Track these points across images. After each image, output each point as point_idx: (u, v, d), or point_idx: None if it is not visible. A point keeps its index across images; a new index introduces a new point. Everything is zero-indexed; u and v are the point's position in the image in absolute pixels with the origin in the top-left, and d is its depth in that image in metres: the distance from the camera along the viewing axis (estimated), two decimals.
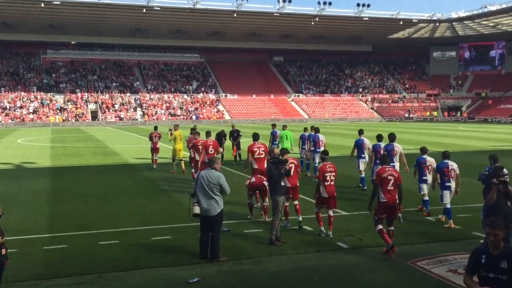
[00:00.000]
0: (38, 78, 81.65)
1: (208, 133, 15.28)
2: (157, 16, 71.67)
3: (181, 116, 77.29)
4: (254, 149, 12.49)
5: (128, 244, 9.64)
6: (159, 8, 68.92)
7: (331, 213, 10.07)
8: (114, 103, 77.80)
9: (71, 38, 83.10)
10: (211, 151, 14.33)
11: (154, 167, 21.02)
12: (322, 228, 10.11)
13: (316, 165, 16.90)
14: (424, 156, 11.79)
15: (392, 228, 9.23)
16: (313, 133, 17.92)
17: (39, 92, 77.30)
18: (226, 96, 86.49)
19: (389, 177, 8.97)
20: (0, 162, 24.11)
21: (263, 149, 12.51)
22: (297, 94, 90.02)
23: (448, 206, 10.94)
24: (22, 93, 76.07)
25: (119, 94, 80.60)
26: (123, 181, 17.86)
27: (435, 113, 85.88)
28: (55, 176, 19.28)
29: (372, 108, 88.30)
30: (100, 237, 10.11)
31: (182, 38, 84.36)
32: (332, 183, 9.99)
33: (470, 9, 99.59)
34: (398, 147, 13.48)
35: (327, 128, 53.89)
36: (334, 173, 10.01)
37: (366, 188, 15.04)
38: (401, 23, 79.45)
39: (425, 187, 11.73)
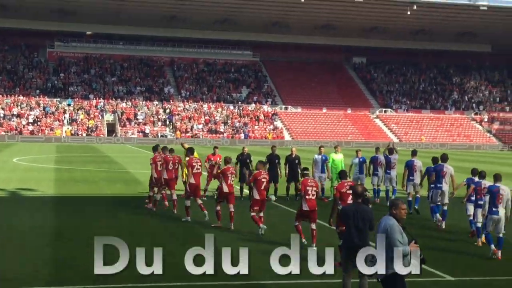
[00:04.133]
0: (42, 79, 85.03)
1: (171, 150, 19.21)
2: (198, 0, 73.17)
3: (225, 134, 78.01)
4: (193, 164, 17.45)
5: None
6: None
7: (313, 226, 13.95)
8: (137, 113, 79.72)
9: (86, 27, 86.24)
10: (170, 167, 18.42)
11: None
12: (304, 240, 13.48)
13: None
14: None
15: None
16: (385, 154, 21.89)
17: (42, 97, 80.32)
18: (286, 108, 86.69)
19: (348, 192, 12.41)
20: None
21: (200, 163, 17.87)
22: (384, 109, 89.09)
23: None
24: (21, 97, 79.31)
25: (144, 102, 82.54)
26: (150, 219, 18.00)
27: None
28: (61, 208, 19.77)
29: (490, 132, 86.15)
30: None
31: (230, 30, 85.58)
32: (313, 197, 14.00)
33: None
34: (448, 168, 16.85)
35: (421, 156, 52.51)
36: (315, 188, 14.09)
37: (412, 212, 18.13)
38: None
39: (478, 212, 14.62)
